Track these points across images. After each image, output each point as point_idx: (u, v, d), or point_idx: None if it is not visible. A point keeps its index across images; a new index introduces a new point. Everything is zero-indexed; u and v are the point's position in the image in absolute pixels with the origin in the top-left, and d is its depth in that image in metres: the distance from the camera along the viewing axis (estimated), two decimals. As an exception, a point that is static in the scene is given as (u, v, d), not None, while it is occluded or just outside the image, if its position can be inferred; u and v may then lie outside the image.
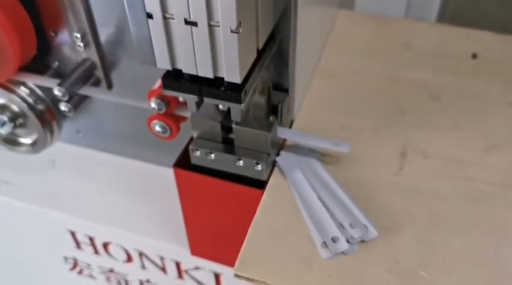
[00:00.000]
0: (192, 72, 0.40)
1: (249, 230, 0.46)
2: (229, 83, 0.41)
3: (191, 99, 0.43)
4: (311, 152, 0.51)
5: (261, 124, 0.47)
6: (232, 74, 0.39)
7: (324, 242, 0.44)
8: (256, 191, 0.49)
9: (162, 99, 0.50)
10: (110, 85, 0.60)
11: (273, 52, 0.48)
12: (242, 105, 0.41)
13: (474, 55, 0.64)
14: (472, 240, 0.44)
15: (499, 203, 0.47)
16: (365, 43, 0.67)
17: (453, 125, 0.55)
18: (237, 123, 0.47)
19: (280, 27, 0.47)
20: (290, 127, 0.55)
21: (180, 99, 0.45)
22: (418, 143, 0.53)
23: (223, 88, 0.41)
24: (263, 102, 0.47)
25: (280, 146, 0.52)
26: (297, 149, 0.52)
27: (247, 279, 0.43)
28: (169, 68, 0.41)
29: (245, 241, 0.45)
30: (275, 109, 0.50)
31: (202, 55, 0.39)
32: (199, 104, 0.44)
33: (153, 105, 0.50)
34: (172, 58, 0.40)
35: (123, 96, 0.57)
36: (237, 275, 0.43)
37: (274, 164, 0.51)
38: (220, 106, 0.44)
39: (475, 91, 0.59)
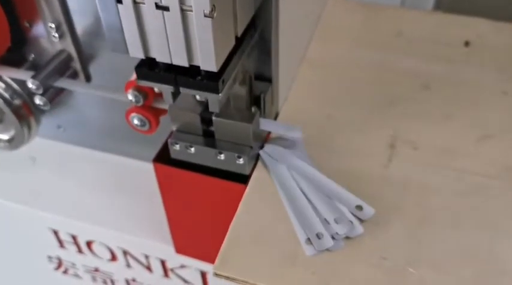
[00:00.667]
0: (166, 60, 0.38)
1: (230, 227, 0.44)
2: (206, 72, 0.39)
3: (167, 89, 0.41)
4: (296, 144, 0.49)
5: (242, 116, 0.45)
6: (208, 62, 0.37)
7: (308, 239, 0.42)
8: (238, 186, 0.47)
9: (140, 90, 0.48)
10: (88, 78, 0.58)
11: (255, 40, 0.46)
12: (220, 95, 0.39)
13: (467, 43, 0.62)
14: (464, 235, 0.42)
15: (492, 195, 0.45)
16: (356, 31, 0.65)
17: (444, 114, 0.53)
18: (217, 115, 0.45)
19: (262, 13, 0.45)
20: (275, 119, 0.53)
21: (156, 89, 0.43)
22: (408, 134, 0.51)
23: (199, 77, 0.39)
24: (244, 93, 0.45)
25: (264, 139, 0.50)
26: (281, 141, 0.50)
27: (227, 278, 0.41)
28: (143, 57, 0.39)
29: (226, 238, 0.43)
30: (257, 100, 0.47)
31: (175, 43, 0.37)
32: (175, 95, 0.41)
33: (130, 97, 0.48)
34: (145, 47, 0.38)
35: (102, 88, 0.55)
36: (216, 274, 0.41)
37: (257, 157, 0.49)
38: (198, 97, 0.41)
39: (467, 79, 0.57)
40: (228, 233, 0.44)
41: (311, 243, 0.41)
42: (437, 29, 0.64)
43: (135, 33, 0.37)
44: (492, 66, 0.59)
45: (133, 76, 0.49)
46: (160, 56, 0.38)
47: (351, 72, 0.58)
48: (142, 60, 0.40)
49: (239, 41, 0.42)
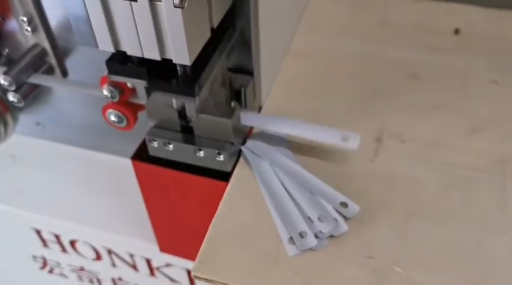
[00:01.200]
0: (137, 54, 0.37)
1: (210, 227, 0.42)
2: (182, 75, 0.37)
3: (140, 84, 0.39)
4: (279, 140, 0.48)
5: (222, 111, 0.43)
6: (181, 55, 0.35)
7: (291, 238, 0.40)
8: (219, 183, 0.45)
9: (115, 85, 0.46)
10: (64, 73, 0.56)
11: (236, 33, 0.44)
12: (196, 98, 0.37)
13: (456, 31, 0.60)
14: (453, 231, 0.41)
15: (482, 189, 0.44)
16: (341, 21, 0.63)
17: (433, 106, 0.51)
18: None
19: (240, 4, 0.43)
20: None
21: (129, 84, 0.41)
22: (395, 126, 0.49)
23: (175, 81, 0.37)
24: (224, 88, 0.43)
25: (247, 134, 0.48)
26: (264, 137, 0.48)
27: (206, 280, 0.39)
28: (113, 50, 0.37)
29: (205, 239, 0.42)
30: (238, 94, 0.46)
31: (146, 35, 0.35)
32: (149, 90, 0.40)
33: (105, 92, 0.46)
34: (114, 39, 0.36)
35: (77, 83, 0.53)
36: (195, 277, 0.39)
37: (240, 153, 0.47)
38: (174, 104, 0.39)
39: (456, 69, 0.55)
40: (207, 232, 0.42)
41: (294, 242, 0.40)
42: (426, 16, 0.62)
43: (102, 25, 0.35)
44: (483, 54, 0.57)
45: (109, 70, 0.47)
46: (131, 49, 0.37)
47: (336, 63, 0.57)
48: (113, 53, 0.38)
49: (217, 40, 0.40)
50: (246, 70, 0.47)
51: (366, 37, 0.60)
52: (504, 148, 0.47)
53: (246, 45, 0.45)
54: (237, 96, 0.46)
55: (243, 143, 0.47)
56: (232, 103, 0.44)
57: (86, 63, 0.56)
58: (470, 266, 0.39)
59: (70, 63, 0.56)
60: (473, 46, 0.58)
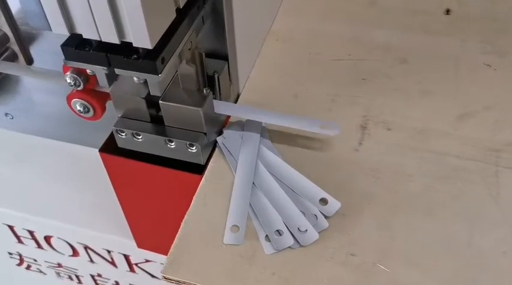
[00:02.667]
0: (94, 37, 0.33)
1: (182, 224, 0.39)
2: (144, 50, 0.33)
3: (99, 70, 0.35)
4: (258, 128, 0.44)
5: (193, 99, 0.40)
6: (141, 38, 0.32)
7: (267, 236, 0.37)
8: (193, 177, 0.42)
9: (79, 73, 0.42)
10: (29, 60, 0.52)
11: (206, 13, 0.40)
12: (160, 76, 0.34)
13: (447, 11, 0.57)
14: (441, 226, 0.38)
15: (473, 180, 0.41)
16: (326, 1, 0.59)
17: (421, 91, 0.48)
18: (163, 98, 0.40)
19: (211, -20, 0.39)
20: (236, 101, 0.48)
21: (88, 71, 0.38)
22: (381, 113, 0.46)
23: (135, 56, 0.34)
24: (194, 72, 0.40)
25: (223, 123, 0.45)
26: (242, 126, 0.45)
27: (178, 282, 0.36)
28: (67, 33, 0.34)
29: (176, 237, 0.39)
30: (211, 80, 0.42)
31: (101, 16, 0.32)
32: (111, 77, 0.36)
33: (68, 80, 0.43)
34: (69, 22, 0.33)
35: (40, 71, 0.49)
36: (165, 278, 0.37)
37: (215, 145, 0.44)
38: (136, 79, 0.36)
39: (447, 51, 0.52)
40: (179, 231, 0.39)
41: (270, 240, 0.37)
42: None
43: (54, 6, 0.32)
44: (475, 36, 0.54)
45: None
46: (87, 32, 0.33)
47: (320, 46, 0.53)
48: (69, 37, 0.35)
49: (183, 13, 0.36)
50: (220, 55, 0.43)
51: (352, 18, 0.56)
52: (498, 136, 0.44)
53: (219, 25, 0.41)
54: (210, 83, 0.42)
55: (219, 133, 0.44)
56: (205, 90, 0.40)
57: (54, 50, 0.52)
58: (461, 263, 0.36)
59: (36, 49, 0.53)
60: (465, 27, 0.55)
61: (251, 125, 0.45)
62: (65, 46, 0.35)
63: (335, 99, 0.48)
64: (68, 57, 0.35)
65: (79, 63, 0.35)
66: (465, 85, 0.49)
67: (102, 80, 0.36)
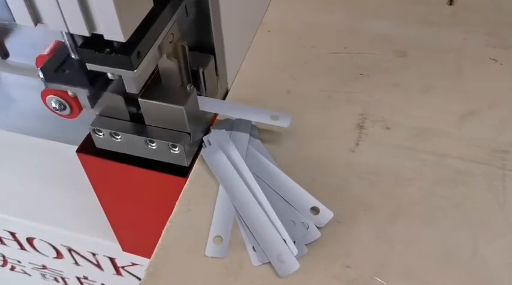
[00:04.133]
0: (61, 28, 0.30)
1: (163, 232, 0.36)
2: (118, 43, 0.30)
3: (81, 92, 0.33)
4: (248, 127, 0.41)
5: (175, 96, 0.37)
6: (113, 30, 0.29)
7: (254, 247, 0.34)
8: (176, 180, 0.39)
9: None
10: (4, 54, 0.49)
11: (190, 2, 0.37)
12: (135, 71, 0.31)
13: (450, 1, 0.54)
14: (443, 235, 0.35)
15: (478, 184, 0.38)
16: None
17: (422, 87, 0.45)
18: (143, 96, 0.37)
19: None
20: (224, 97, 0.45)
21: (69, 93, 0.35)
22: (379, 111, 0.43)
23: (108, 49, 0.30)
24: (176, 67, 0.36)
25: (209, 122, 0.42)
26: (231, 124, 0.42)
27: (158, 296, 0.34)
28: (32, 25, 0.30)
29: (157, 245, 0.36)
30: (196, 75, 0.39)
31: (69, 5, 0.29)
32: (92, 98, 0.33)
33: (41, 75, 0.39)
34: (34, 12, 0.30)
35: (17, 65, 0.46)
36: (144, 292, 0.34)
37: (201, 144, 0.41)
38: (110, 75, 0.33)
39: (450, 44, 0.49)
40: (160, 238, 0.36)
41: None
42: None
43: (16, -6, 0.29)
44: (480, 28, 0.51)
45: (47, 49, 0.40)
46: (54, 24, 0.30)
47: (315, 38, 0.50)
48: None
49: (163, 2, 0.33)
50: (206, 48, 0.40)
51: (348, 8, 0.53)
52: (504, 136, 0.41)
53: (203, 15, 0.38)
54: (195, 79, 0.39)
55: (206, 132, 0.41)
56: (188, 87, 0.37)
57: (31, 42, 0.49)
58: (464, 276, 0.33)
59: (12, 43, 0.49)
60: (469, 18, 0.52)
61: (240, 124, 0.41)
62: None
63: (330, 95, 0.45)
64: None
65: (59, 85, 0.32)
66: (469, 81, 0.46)
67: (85, 101, 0.33)
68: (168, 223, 0.37)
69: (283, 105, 0.44)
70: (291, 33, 0.51)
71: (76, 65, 0.33)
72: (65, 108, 0.42)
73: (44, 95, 0.42)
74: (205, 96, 0.40)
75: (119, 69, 0.31)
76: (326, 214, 0.35)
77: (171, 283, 0.34)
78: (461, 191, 0.37)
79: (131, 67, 0.31)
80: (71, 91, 0.34)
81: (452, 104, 0.43)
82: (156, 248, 0.36)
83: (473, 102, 0.44)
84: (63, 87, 0.33)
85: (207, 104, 0.39)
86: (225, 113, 0.41)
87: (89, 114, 0.43)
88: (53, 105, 0.42)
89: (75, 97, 0.41)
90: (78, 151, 0.42)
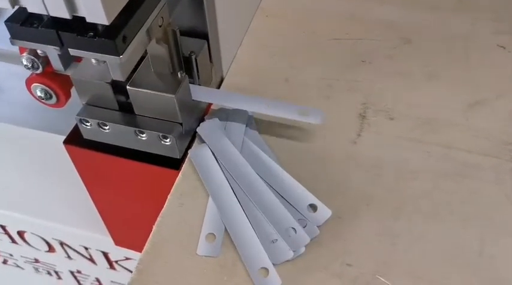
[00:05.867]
0: (41, 11, 0.28)
1: (154, 228, 0.34)
2: (102, 26, 0.28)
3: (51, 51, 0.30)
4: (244, 118, 0.39)
5: (165, 84, 0.35)
6: (95, 12, 0.27)
7: (250, 243, 0.32)
8: (168, 172, 0.38)
9: (37, 54, 0.37)
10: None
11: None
12: (121, 57, 0.29)
13: (457, -14, 0.51)
14: (449, 231, 0.33)
15: (486, 178, 0.36)
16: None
17: (427, 75, 0.43)
18: (132, 84, 0.35)
19: None
20: (219, 86, 0.43)
21: (39, 51, 0.33)
22: (382, 100, 0.41)
23: (91, 33, 0.28)
24: (166, 53, 0.34)
25: (203, 112, 0.40)
26: (226, 114, 0.39)
27: (147, 296, 0.32)
28: (9, 7, 0.28)
29: (147, 242, 0.34)
30: (188, 62, 0.37)
31: (47, -15, 0.26)
32: (65, 58, 0.31)
33: (24, 62, 0.37)
34: (10, -8, 0.28)
35: (1, 51, 0.44)
36: (133, 291, 0.32)
37: (195, 135, 0.39)
38: (94, 61, 0.31)
39: (457, 30, 0.47)
40: (151, 234, 0.34)
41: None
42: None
43: (-10, -28, 0.26)
44: (487, 14, 0.48)
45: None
46: (32, 5, 0.28)
47: (315, 24, 0.48)
48: (15, 12, 0.29)
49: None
50: (199, 32, 0.38)
51: (350, -7, 0.51)
52: (513, 127, 0.39)
53: (196, 1, 0.36)
54: (187, 65, 0.37)
55: (200, 122, 0.39)
56: (179, 74, 0.35)
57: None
58: (471, 275, 0.31)
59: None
60: (477, 4, 0.50)
61: (236, 114, 0.39)
62: (9, 22, 0.30)
63: (331, 84, 0.43)
64: (13, 35, 0.30)
65: (27, 43, 0.30)
66: (476, 69, 0.44)
67: (56, 62, 0.31)
68: (159, 218, 0.35)
69: (281, 93, 0.42)
70: (290, 18, 0.49)
71: (45, 19, 0.29)
72: (50, 96, 0.40)
73: (28, 83, 0.40)
74: (199, 85, 0.38)
75: (103, 55, 0.29)
76: (324, 212, 0.33)
77: (162, 281, 0.32)
78: (468, 185, 0.35)
79: (116, 52, 0.28)
80: (40, 49, 0.31)
81: (459, 93, 0.41)
82: (146, 245, 0.34)
83: (481, 91, 0.42)
84: (30, 44, 0.30)
85: (200, 93, 0.37)
86: (220, 103, 0.39)
87: (79, 103, 0.41)
88: (38, 93, 0.40)
89: (61, 85, 0.40)
90: (66, 142, 0.40)
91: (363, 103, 0.41)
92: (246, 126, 0.39)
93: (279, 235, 0.32)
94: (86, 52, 0.29)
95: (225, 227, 0.33)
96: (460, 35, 0.47)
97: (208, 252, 0.32)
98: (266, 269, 0.31)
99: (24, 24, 0.29)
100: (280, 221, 0.33)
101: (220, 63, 0.42)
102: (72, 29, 0.28)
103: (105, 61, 0.30)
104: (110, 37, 0.28)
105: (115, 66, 0.29)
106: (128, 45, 0.29)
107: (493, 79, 0.42)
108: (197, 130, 0.39)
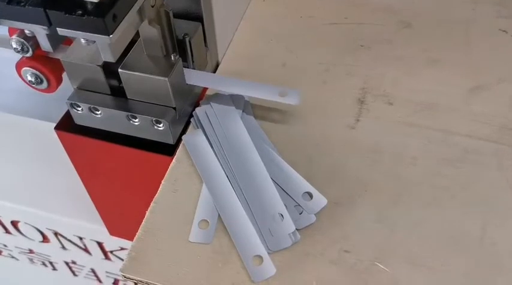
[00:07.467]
0: (25, -13, 0.27)
1: (147, 214, 0.34)
2: (91, 4, 0.27)
3: (39, 31, 0.29)
4: (240, 103, 0.38)
5: (158, 67, 0.34)
6: (84, -12, 0.26)
7: (245, 229, 0.32)
8: (162, 158, 0.37)
9: (27, 37, 0.36)
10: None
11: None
12: (111, 36, 0.28)
13: (458, -31, 0.50)
14: (449, 218, 0.33)
15: (487, 163, 0.35)
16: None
17: (428, 60, 0.42)
18: (123, 67, 0.34)
19: None
20: (215, 70, 0.42)
21: (26, 31, 0.32)
22: (381, 85, 0.40)
23: (80, 12, 0.27)
24: (159, 35, 0.33)
25: (198, 96, 0.39)
26: (220, 99, 0.39)
27: (140, 282, 0.31)
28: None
29: (140, 229, 0.33)
30: (182, 45, 0.36)
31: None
32: (53, 38, 0.30)
33: (14, 45, 0.36)
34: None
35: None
36: (124, 277, 0.31)
37: (189, 120, 0.38)
38: (83, 41, 0.30)
39: (458, 14, 0.46)
40: (143, 220, 0.34)
41: (249, 234, 0.31)
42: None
43: None
44: (488, -3, 0.47)
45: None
46: (19, -18, 0.27)
47: (313, 7, 0.47)
48: None
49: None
50: (193, 14, 0.37)
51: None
52: (515, 111, 0.38)
53: (190, -19, 0.35)
54: (181, 48, 0.36)
55: (195, 107, 0.38)
56: (173, 57, 0.34)
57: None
58: (472, 262, 0.31)
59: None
60: (478, -13, 0.48)
61: (232, 99, 0.38)
62: None
63: (329, 69, 0.42)
64: (0, 14, 0.29)
65: (13, 22, 0.29)
66: (478, 54, 0.43)
67: (44, 42, 0.30)
68: (152, 204, 0.34)
69: (278, 78, 0.41)
70: (288, 2, 0.48)
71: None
72: (41, 81, 0.39)
73: (18, 67, 0.39)
74: (193, 69, 0.37)
75: (93, 34, 0.28)
76: (319, 201, 0.32)
77: (155, 268, 0.31)
78: (468, 170, 0.35)
79: (106, 31, 0.27)
80: (27, 29, 0.30)
81: (459, 78, 0.40)
82: (139, 231, 0.33)
83: (482, 76, 0.41)
84: (18, 23, 0.29)
85: (194, 77, 0.36)
86: (215, 87, 0.38)
87: (70, 88, 0.40)
88: (29, 78, 0.39)
89: (52, 69, 0.39)
90: (57, 128, 0.39)
91: (362, 88, 0.40)
92: (243, 111, 0.38)
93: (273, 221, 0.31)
94: (74, 31, 0.28)
95: (219, 214, 0.32)
96: (461, 18, 0.45)
97: (201, 239, 0.31)
98: (260, 257, 0.31)
99: (11, 2, 0.28)
100: (270, 207, 0.32)
101: (216, 47, 0.41)
102: (61, 8, 0.27)
103: (94, 41, 0.29)
104: (99, 15, 0.27)
105: (105, 46, 0.28)
106: (119, 25, 0.28)
107: (494, 64, 0.41)
108: (193, 115, 0.38)
